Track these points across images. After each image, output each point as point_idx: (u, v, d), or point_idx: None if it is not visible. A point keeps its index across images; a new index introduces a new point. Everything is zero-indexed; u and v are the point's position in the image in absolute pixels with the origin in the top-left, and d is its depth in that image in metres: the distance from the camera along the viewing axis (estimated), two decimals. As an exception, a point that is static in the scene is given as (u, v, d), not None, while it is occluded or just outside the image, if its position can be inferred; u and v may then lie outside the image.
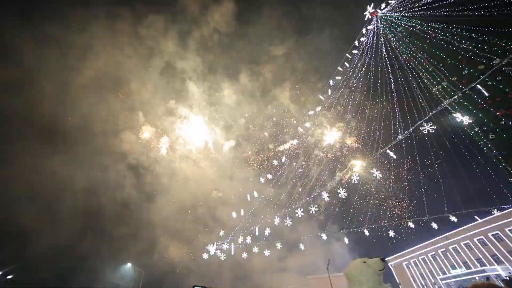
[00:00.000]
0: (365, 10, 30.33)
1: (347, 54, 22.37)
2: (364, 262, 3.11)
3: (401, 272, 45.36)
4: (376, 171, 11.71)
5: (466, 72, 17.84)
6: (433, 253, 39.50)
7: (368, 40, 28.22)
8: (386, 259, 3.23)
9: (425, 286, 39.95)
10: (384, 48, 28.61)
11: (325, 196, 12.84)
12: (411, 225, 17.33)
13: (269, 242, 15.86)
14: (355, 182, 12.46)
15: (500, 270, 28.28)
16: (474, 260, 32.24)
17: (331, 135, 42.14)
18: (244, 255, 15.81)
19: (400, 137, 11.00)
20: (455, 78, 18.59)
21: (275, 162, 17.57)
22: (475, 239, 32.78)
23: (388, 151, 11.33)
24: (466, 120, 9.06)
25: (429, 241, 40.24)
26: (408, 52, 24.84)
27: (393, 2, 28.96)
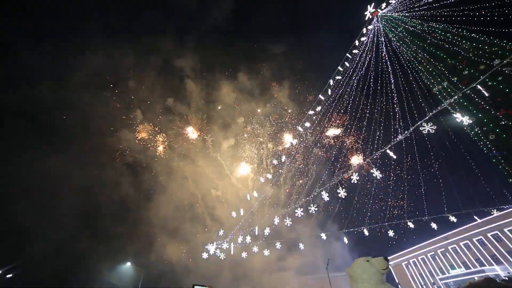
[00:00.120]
0: (366, 10, 30.33)
1: (347, 54, 22.33)
2: (367, 261, 3.10)
3: (400, 272, 45.44)
4: (376, 170, 11.69)
5: (466, 72, 17.84)
6: (433, 253, 39.57)
7: (368, 40, 28.20)
8: (385, 259, 3.24)
9: (424, 286, 40.02)
10: (384, 48, 28.59)
11: (325, 195, 12.82)
12: (411, 225, 17.33)
13: (268, 242, 15.86)
14: (355, 182, 12.44)
15: (499, 270, 28.34)
16: (473, 260, 32.30)
17: (331, 135, 42.15)
18: (244, 254, 15.80)
19: (400, 137, 10.99)
20: (455, 78, 18.59)
21: (275, 162, 17.56)
22: (474, 239, 32.84)
23: (387, 151, 11.32)
24: (466, 120, 9.06)
25: (428, 241, 40.32)
26: (409, 52, 24.82)
27: (393, 2, 28.94)
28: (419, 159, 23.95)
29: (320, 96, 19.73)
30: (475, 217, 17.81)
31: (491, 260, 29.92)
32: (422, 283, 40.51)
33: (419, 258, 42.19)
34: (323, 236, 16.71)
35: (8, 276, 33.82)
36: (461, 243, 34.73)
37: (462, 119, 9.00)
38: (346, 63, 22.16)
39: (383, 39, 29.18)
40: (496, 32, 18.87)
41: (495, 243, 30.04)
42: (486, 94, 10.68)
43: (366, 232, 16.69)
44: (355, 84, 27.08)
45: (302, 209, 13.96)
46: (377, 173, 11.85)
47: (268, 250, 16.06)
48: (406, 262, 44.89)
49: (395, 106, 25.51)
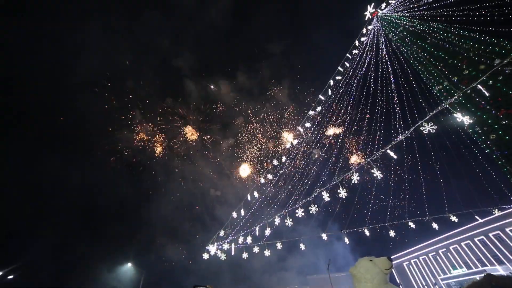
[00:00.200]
0: (366, 10, 30.36)
1: (347, 54, 22.35)
2: (371, 260, 3.12)
3: (401, 272, 45.31)
4: (377, 171, 11.69)
5: (466, 72, 17.83)
6: (434, 253, 39.45)
7: (368, 40, 28.22)
8: (386, 259, 3.24)
9: (425, 286, 39.89)
10: (384, 48, 28.60)
11: (325, 196, 12.81)
12: (412, 225, 17.29)
13: (269, 243, 15.83)
14: (355, 182, 12.43)
15: (501, 270, 28.23)
16: (475, 260, 32.19)
17: (331, 135, 42.13)
18: (245, 255, 15.77)
19: (400, 137, 10.99)
20: (456, 78, 18.58)
21: (275, 162, 17.55)
22: (476, 239, 32.73)
23: (388, 151, 11.32)
24: (466, 120, 9.05)
25: (429, 241, 40.21)
26: (409, 52, 24.83)
27: (393, 2, 28.97)
28: (420, 159, 23.93)
29: (320, 96, 19.73)
30: (477, 217, 17.77)
31: (493, 260, 29.81)
32: (424, 283, 40.37)
33: (421, 258, 42.07)
34: (324, 236, 16.69)
35: (9, 277, 33.85)
36: (462, 243, 34.62)
37: (462, 119, 9.00)
38: (346, 63, 22.17)
39: (383, 39, 29.20)
40: (496, 31, 18.87)
41: (497, 243, 29.93)
42: (487, 94, 10.68)
43: (367, 232, 16.66)
44: (355, 84, 27.10)
45: (302, 210, 13.96)
46: (377, 173, 11.85)
47: (269, 251, 16.02)
48: (408, 262, 44.76)
49: (396, 106, 25.51)
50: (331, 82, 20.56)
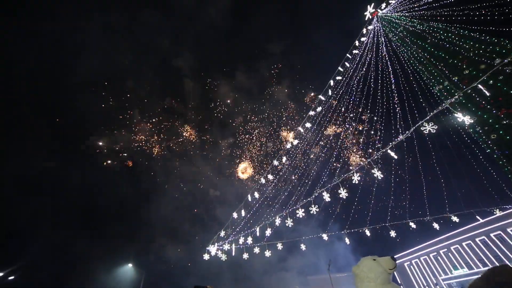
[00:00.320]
0: (366, 10, 30.37)
1: (347, 54, 22.33)
2: (374, 260, 3.07)
3: (402, 272, 45.20)
4: (377, 171, 11.66)
5: (467, 71, 17.81)
6: (435, 253, 39.34)
7: (368, 40, 28.22)
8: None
9: (427, 287, 39.77)
10: (384, 48, 28.60)
11: (326, 196, 12.79)
12: (413, 225, 17.24)
13: (269, 243, 15.80)
14: (356, 182, 12.41)
15: (502, 271, 28.09)
16: (476, 261, 32.08)
17: (332, 135, 42.10)
18: (245, 255, 15.75)
19: (401, 137, 10.96)
20: (456, 78, 18.56)
21: (275, 163, 17.54)
22: (477, 240, 32.62)
23: (389, 151, 11.29)
24: (467, 120, 9.02)
25: (430, 241, 40.10)
26: (409, 52, 24.82)
27: (393, 2, 28.98)
28: (421, 159, 23.87)
29: (320, 96, 19.72)
30: (478, 217, 17.69)
31: (494, 261, 29.69)
32: (425, 284, 40.25)
33: (422, 258, 41.96)
34: (325, 236, 16.66)
35: (10, 278, 33.88)
36: (463, 243, 34.51)
37: (463, 118, 8.97)
38: (347, 63, 22.16)
39: (383, 39, 29.20)
40: (496, 31, 18.85)
41: (498, 243, 29.83)
42: (487, 94, 10.65)
43: (368, 233, 16.63)
44: (355, 85, 27.09)
45: (303, 210, 13.94)
46: (378, 174, 11.83)
47: (270, 251, 16.00)
48: (409, 262, 44.66)
49: (396, 106, 25.49)
50: (331, 82, 20.54)
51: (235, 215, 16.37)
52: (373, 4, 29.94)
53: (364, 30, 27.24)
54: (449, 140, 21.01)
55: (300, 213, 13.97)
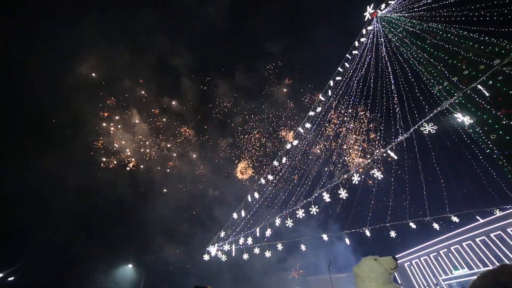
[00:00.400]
0: (365, 11, 30.40)
1: (347, 55, 22.36)
2: (375, 259, 3.05)
3: (403, 272, 45.17)
4: (377, 171, 11.68)
5: (466, 72, 17.84)
6: (435, 253, 39.32)
7: (368, 40, 28.26)
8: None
9: (427, 287, 39.75)
10: (384, 48, 28.64)
11: (326, 196, 12.80)
12: (413, 225, 17.24)
13: (270, 243, 15.80)
14: (356, 183, 12.42)
15: (502, 271, 28.08)
16: (477, 261, 32.07)
17: (332, 136, 42.13)
18: (245, 256, 15.74)
19: (400, 137, 10.98)
20: (456, 78, 18.59)
21: (275, 163, 17.55)
22: (477, 240, 32.61)
23: (388, 151, 11.31)
24: (467, 120, 9.05)
25: (431, 242, 40.09)
26: (408, 52, 24.86)
27: (393, 2, 29.02)
28: (420, 159, 23.88)
29: (320, 96, 19.73)
30: (478, 217, 17.70)
31: (495, 261, 29.68)
32: (425, 284, 40.22)
33: (422, 258, 41.93)
34: (325, 237, 16.66)
35: (9, 279, 33.85)
36: (464, 244, 34.50)
37: (463, 119, 8.99)
38: (346, 64, 22.18)
39: (382, 39, 29.24)
40: (496, 31, 18.88)
41: (498, 243, 29.82)
42: (487, 94, 10.67)
43: (368, 233, 16.62)
44: (355, 85, 27.12)
45: (303, 210, 13.94)
46: (378, 174, 11.83)
47: (270, 252, 16.00)
48: (409, 263, 44.64)
49: (396, 106, 25.52)
50: (331, 82, 20.56)
51: (235, 215, 16.37)
52: (372, 5, 29.99)
53: (364, 31, 27.28)
54: (449, 141, 21.06)
55: (300, 213, 13.98)
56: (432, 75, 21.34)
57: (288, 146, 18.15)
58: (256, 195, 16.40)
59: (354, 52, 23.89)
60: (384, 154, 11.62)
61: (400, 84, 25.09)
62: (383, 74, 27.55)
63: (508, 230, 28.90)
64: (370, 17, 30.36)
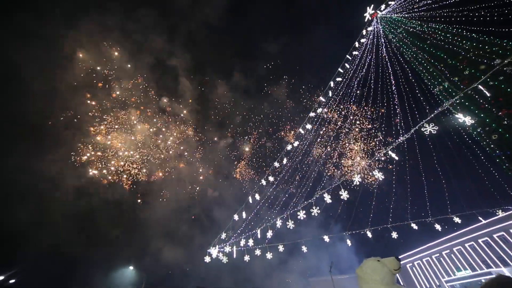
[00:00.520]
0: (365, 11, 30.45)
1: (347, 56, 22.39)
2: (378, 260, 2.98)
3: (405, 274, 44.88)
4: (378, 172, 11.64)
5: (467, 72, 17.81)
6: (437, 255, 39.05)
7: (368, 41, 28.29)
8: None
9: (429, 289, 39.47)
10: (384, 49, 28.66)
11: (327, 198, 12.77)
12: (414, 226, 17.15)
13: (271, 245, 15.74)
14: (357, 184, 12.39)
15: (507, 272, 27.87)
16: (480, 262, 31.81)
17: (333, 137, 42.08)
18: (246, 257, 15.69)
19: (401, 138, 10.96)
20: (456, 79, 18.56)
21: (276, 164, 17.53)
22: (479, 241, 32.39)
23: (389, 152, 11.28)
24: (468, 120, 9.01)
25: (433, 243, 39.84)
26: (409, 53, 24.86)
27: (392, 3, 29.06)
28: (422, 160, 23.80)
29: (321, 97, 19.74)
30: (480, 218, 17.60)
31: (498, 262, 29.45)
32: (428, 286, 39.91)
33: (424, 260, 41.65)
34: (326, 238, 16.59)
35: (11, 281, 33.86)
36: (466, 245, 34.26)
37: (464, 119, 8.96)
38: (347, 65, 22.20)
39: (383, 40, 29.27)
40: (496, 32, 18.86)
41: (502, 244, 29.59)
42: (488, 94, 10.65)
43: (369, 234, 16.54)
44: (355, 86, 27.12)
45: (304, 212, 13.89)
46: (379, 175, 11.79)
47: (271, 253, 15.93)
48: (411, 264, 44.35)
49: (396, 107, 25.49)
50: (332, 83, 20.58)
51: (236, 217, 16.33)
52: (372, 5, 30.05)
53: (364, 32, 27.33)
54: (450, 141, 20.99)
55: (301, 215, 13.93)
56: (432, 75, 21.31)
57: (289, 147, 18.13)
58: (257, 196, 16.37)
59: (354, 52, 23.93)
60: (386, 156, 11.59)
61: (401, 84, 25.09)
62: (384, 75, 27.56)
63: (511, 230, 28.69)
64: (370, 18, 30.41)
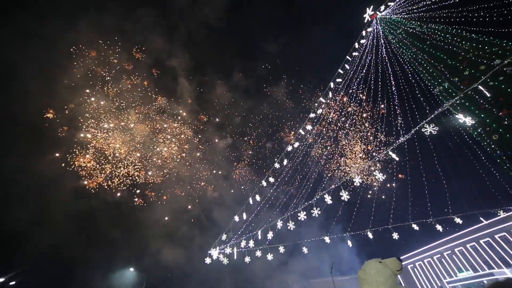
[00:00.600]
0: (365, 12, 30.52)
1: (347, 57, 22.44)
2: (380, 262, 2.95)
3: (406, 275, 44.71)
4: (379, 173, 11.64)
5: (467, 72, 17.81)
6: (439, 255, 38.92)
7: (368, 42, 28.34)
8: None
9: (431, 290, 39.31)
10: (384, 50, 28.71)
11: (328, 199, 12.76)
12: (415, 227, 17.10)
13: (271, 246, 15.71)
14: (358, 185, 12.38)
15: (508, 273, 27.75)
16: (481, 263, 31.69)
17: (333, 138, 42.07)
18: (247, 259, 15.66)
19: (402, 138, 10.96)
20: (456, 79, 18.56)
21: (276, 165, 17.53)
22: (481, 241, 32.27)
23: (390, 153, 11.28)
24: (468, 121, 9.02)
25: (434, 244, 39.73)
26: (409, 53, 24.89)
27: (392, 4, 29.13)
28: (422, 160, 23.76)
29: (321, 98, 19.77)
30: (481, 219, 17.53)
31: (500, 263, 29.33)
32: (429, 287, 39.76)
33: (425, 261, 41.51)
34: (327, 239, 16.55)
35: (11, 283, 33.83)
36: (468, 245, 34.14)
37: (464, 119, 8.96)
38: (346, 65, 22.23)
39: (382, 41, 29.32)
40: (496, 32, 18.88)
41: (503, 244, 29.48)
42: (488, 94, 10.65)
43: (370, 235, 16.49)
44: (355, 87, 27.15)
45: (305, 213, 13.87)
46: (379, 176, 11.79)
47: (272, 254, 15.90)
48: (412, 265, 44.19)
49: (396, 108, 25.49)
50: (332, 84, 20.61)
51: (236, 218, 16.32)
52: (372, 6, 30.12)
53: (364, 33, 27.39)
54: (450, 141, 20.95)
55: (302, 216, 13.91)
56: (432, 76, 21.33)
57: (289, 148, 18.13)
58: (258, 197, 16.36)
59: (354, 53, 23.97)
60: (386, 156, 11.59)
61: (401, 85, 25.11)
62: (384, 75, 27.60)
63: (513, 231, 28.62)
64: (369, 19, 30.47)
